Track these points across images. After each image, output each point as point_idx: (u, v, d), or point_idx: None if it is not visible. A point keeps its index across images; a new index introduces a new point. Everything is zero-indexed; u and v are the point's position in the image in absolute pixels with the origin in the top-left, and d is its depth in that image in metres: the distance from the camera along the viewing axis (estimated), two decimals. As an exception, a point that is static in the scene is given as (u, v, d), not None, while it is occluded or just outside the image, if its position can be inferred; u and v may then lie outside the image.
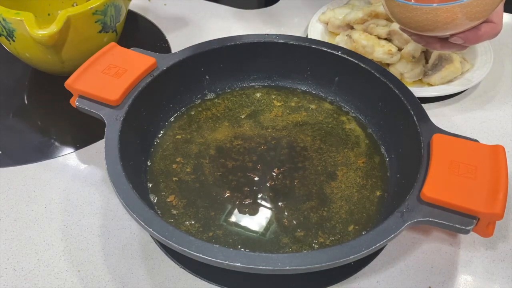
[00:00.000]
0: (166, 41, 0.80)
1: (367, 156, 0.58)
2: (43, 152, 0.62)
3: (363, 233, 0.50)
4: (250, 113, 0.63)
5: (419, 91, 0.66)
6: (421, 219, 0.43)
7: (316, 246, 0.49)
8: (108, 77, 0.55)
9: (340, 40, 0.73)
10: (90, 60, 0.57)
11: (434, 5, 0.49)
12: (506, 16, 0.84)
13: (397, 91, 0.56)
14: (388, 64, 0.69)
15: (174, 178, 0.55)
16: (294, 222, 0.51)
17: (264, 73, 0.66)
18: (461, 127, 0.65)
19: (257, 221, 0.51)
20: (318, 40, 0.64)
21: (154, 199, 0.53)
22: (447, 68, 0.68)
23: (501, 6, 0.54)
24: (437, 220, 0.43)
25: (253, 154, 0.57)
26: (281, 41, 0.63)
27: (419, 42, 0.58)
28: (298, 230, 0.50)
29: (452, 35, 0.54)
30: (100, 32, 0.66)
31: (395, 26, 0.69)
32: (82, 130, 0.65)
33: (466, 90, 0.69)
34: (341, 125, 0.61)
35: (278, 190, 0.54)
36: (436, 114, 0.67)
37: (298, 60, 0.64)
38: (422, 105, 0.54)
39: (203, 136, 0.60)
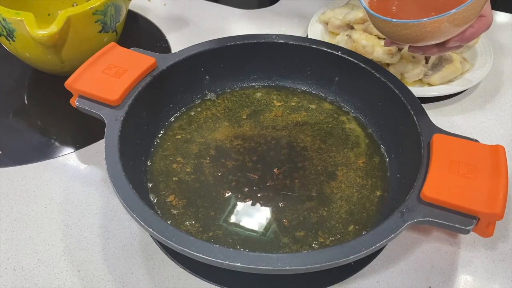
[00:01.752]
0: (166, 41, 0.80)
1: (367, 156, 0.58)
2: (43, 152, 0.62)
3: (363, 233, 0.50)
4: (250, 113, 0.63)
5: (419, 91, 0.66)
6: (421, 219, 0.43)
7: (316, 246, 0.49)
8: (108, 77, 0.55)
9: (340, 40, 0.73)
10: (90, 60, 0.57)
11: (423, 20, 0.49)
12: (506, 16, 0.85)
13: (397, 91, 0.56)
14: (388, 64, 0.69)
15: (174, 178, 0.55)
16: (294, 222, 0.51)
17: (264, 73, 0.66)
18: (461, 127, 0.65)
19: (257, 221, 0.51)
20: (318, 40, 0.64)
21: (154, 199, 0.53)
22: (447, 68, 0.68)
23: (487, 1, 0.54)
24: (437, 220, 0.43)
25: (253, 154, 0.57)
26: (281, 41, 0.63)
27: (416, 51, 0.58)
28: (298, 230, 0.50)
29: (447, 40, 0.54)
30: (100, 32, 0.66)
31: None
32: (82, 130, 0.65)
33: (466, 90, 0.69)
34: (341, 125, 0.61)
35: (278, 190, 0.54)
36: (436, 114, 0.67)
37: (298, 60, 0.64)
38: (422, 105, 0.54)
39: (203, 136, 0.60)
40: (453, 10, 0.48)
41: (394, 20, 0.51)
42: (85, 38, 0.65)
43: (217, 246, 0.41)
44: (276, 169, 0.56)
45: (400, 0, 0.56)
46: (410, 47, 0.57)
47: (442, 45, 0.55)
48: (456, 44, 0.54)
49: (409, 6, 0.56)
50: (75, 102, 0.54)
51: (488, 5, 0.54)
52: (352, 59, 0.61)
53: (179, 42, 0.80)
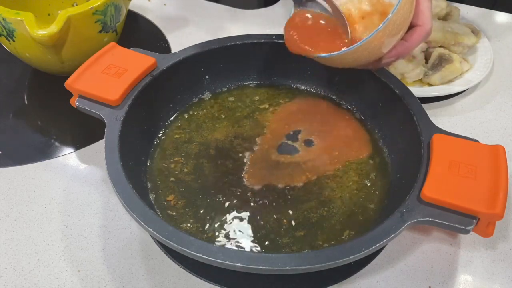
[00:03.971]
0: (166, 41, 0.80)
1: (367, 156, 0.58)
2: (43, 152, 0.62)
3: (363, 233, 0.50)
4: (250, 112, 0.63)
5: (419, 91, 0.66)
6: (421, 219, 0.43)
7: (316, 246, 0.49)
8: (108, 77, 0.55)
9: (340, 40, 0.73)
10: (90, 60, 0.57)
11: (357, 44, 0.48)
12: (506, 16, 0.84)
13: (397, 91, 0.56)
14: (388, 64, 0.69)
15: (174, 178, 0.55)
16: (294, 222, 0.51)
17: (264, 73, 0.66)
18: (461, 127, 0.65)
19: (257, 221, 0.51)
20: (318, 40, 0.64)
21: (153, 199, 0.53)
22: (447, 68, 0.68)
23: (424, 7, 0.51)
24: (437, 220, 0.43)
25: (253, 154, 0.57)
26: (281, 41, 0.63)
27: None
28: (298, 230, 0.50)
29: (383, 57, 0.52)
30: (100, 32, 0.66)
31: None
32: (82, 130, 0.65)
33: (466, 90, 0.69)
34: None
35: (278, 190, 0.54)
36: (436, 114, 0.67)
37: (298, 60, 0.64)
38: (422, 105, 0.54)
39: (202, 136, 0.60)
40: (370, 35, 0.47)
41: (327, 54, 0.51)
42: (85, 38, 0.65)
43: (217, 246, 0.41)
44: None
45: (318, 29, 0.56)
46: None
47: (378, 62, 0.53)
48: (391, 59, 0.52)
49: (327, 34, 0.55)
50: (75, 102, 0.54)
51: (425, 12, 0.51)
52: (352, 59, 0.61)
53: (179, 42, 0.80)
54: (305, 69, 0.65)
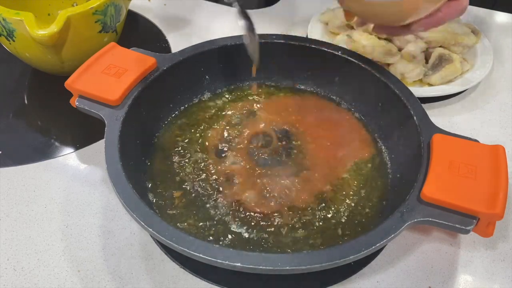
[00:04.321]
0: (166, 41, 0.80)
1: (367, 156, 0.58)
2: (43, 152, 0.62)
3: (362, 233, 0.50)
4: (251, 112, 0.63)
5: (419, 91, 0.66)
6: (421, 219, 0.43)
7: (316, 246, 0.49)
8: (108, 77, 0.55)
9: (340, 40, 0.73)
10: (90, 60, 0.57)
11: None
12: (506, 16, 0.85)
13: (397, 91, 0.56)
14: (388, 64, 0.69)
15: (174, 178, 0.55)
16: (294, 222, 0.51)
17: (264, 73, 0.66)
18: (461, 127, 0.65)
19: (257, 220, 0.51)
20: (318, 40, 0.64)
21: (153, 199, 0.53)
22: (447, 68, 0.68)
23: None
24: (437, 220, 0.43)
25: (254, 154, 0.57)
26: (281, 41, 0.63)
27: (381, 33, 0.58)
28: (298, 230, 0.50)
29: (412, 24, 0.52)
30: (100, 32, 0.66)
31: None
32: (82, 130, 0.65)
33: (466, 90, 0.69)
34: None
35: (278, 190, 0.54)
36: (436, 114, 0.67)
37: (298, 60, 0.64)
38: (422, 105, 0.54)
39: (203, 136, 0.60)
40: None
41: None
42: (85, 38, 0.65)
43: (217, 246, 0.41)
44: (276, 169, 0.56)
45: None
46: (375, 27, 0.57)
47: (407, 28, 0.53)
48: (421, 28, 0.52)
49: None
50: (75, 102, 0.54)
51: None
52: (352, 59, 0.61)
53: (179, 42, 0.80)
54: (305, 69, 0.65)
